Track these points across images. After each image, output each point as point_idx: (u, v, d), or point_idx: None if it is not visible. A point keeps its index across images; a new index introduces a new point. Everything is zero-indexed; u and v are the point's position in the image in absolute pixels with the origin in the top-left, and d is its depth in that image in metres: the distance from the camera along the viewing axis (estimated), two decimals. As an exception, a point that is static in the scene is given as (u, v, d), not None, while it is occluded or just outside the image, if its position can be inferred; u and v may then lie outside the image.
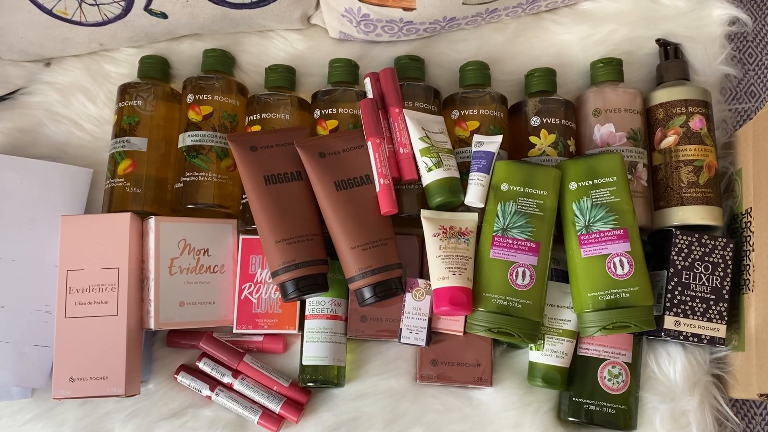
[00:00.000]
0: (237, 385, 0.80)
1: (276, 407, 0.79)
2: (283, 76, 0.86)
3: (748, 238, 0.80)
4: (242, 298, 0.81)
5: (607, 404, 0.77)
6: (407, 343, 0.78)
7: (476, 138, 0.81)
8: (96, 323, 0.76)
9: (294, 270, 0.75)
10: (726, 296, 0.77)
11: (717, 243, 0.78)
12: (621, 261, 0.74)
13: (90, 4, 0.83)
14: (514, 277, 0.74)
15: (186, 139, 0.83)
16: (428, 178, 0.78)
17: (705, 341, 0.77)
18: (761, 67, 0.95)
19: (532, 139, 0.82)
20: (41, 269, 0.81)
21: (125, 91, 0.85)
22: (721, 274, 0.78)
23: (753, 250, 0.78)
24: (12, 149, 0.88)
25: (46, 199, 0.83)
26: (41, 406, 0.81)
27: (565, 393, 0.79)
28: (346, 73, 0.86)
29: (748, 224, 0.80)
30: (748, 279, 0.78)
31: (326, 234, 0.78)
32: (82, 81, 0.91)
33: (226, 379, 0.80)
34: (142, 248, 0.80)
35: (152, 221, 0.79)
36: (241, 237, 0.82)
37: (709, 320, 0.77)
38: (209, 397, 0.80)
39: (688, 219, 0.80)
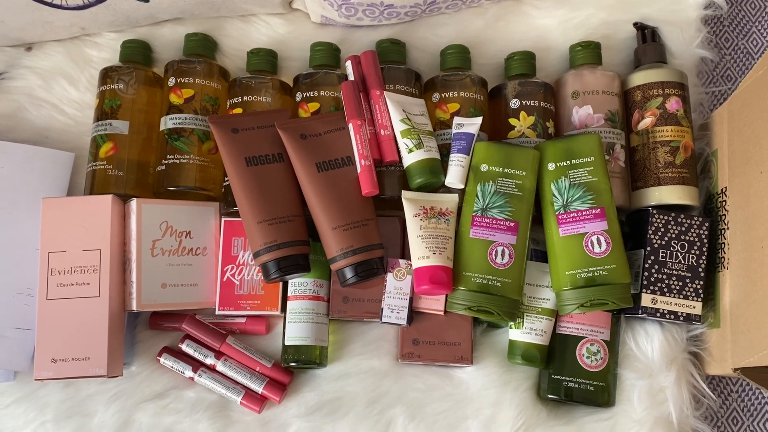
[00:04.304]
0: (220, 367, 0.81)
1: (259, 388, 0.80)
2: (264, 60, 0.87)
3: (723, 217, 0.81)
4: (224, 279, 0.81)
5: (586, 381, 0.78)
6: (388, 323, 0.78)
7: (456, 120, 0.81)
8: (78, 304, 0.76)
9: (276, 250, 0.75)
10: (702, 274, 0.79)
11: (693, 222, 0.80)
12: (598, 239, 0.75)
13: (70, -12, 0.83)
14: (494, 256, 0.75)
15: (168, 122, 0.83)
16: (409, 159, 0.79)
17: (681, 318, 0.78)
18: (737, 51, 0.97)
19: (512, 121, 0.83)
20: (22, 252, 0.81)
21: (107, 74, 0.85)
22: (697, 252, 0.79)
23: (728, 228, 0.80)
24: (-7, 134, 0.88)
25: (27, 183, 0.83)
26: (24, 389, 0.81)
27: (544, 371, 0.80)
28: (327, 56, 0.86)
29: (724, 203, 0.81)
30: (723, 257, 0.80)
31: (308, 215, 0.78)
32: (63, 65, 0.90)
33: (209, 361, 0.81)
34: (124, 230, 0.80)
35: (134, 203, 0.79)
36: (223, 219, 0.82)
37: (686, 298, 0.79)
38: (192, 379, 0.81)
39: (664, 199, 0.81)
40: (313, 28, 0.92)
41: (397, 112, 0.80)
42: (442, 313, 0.79)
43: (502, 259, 0.75)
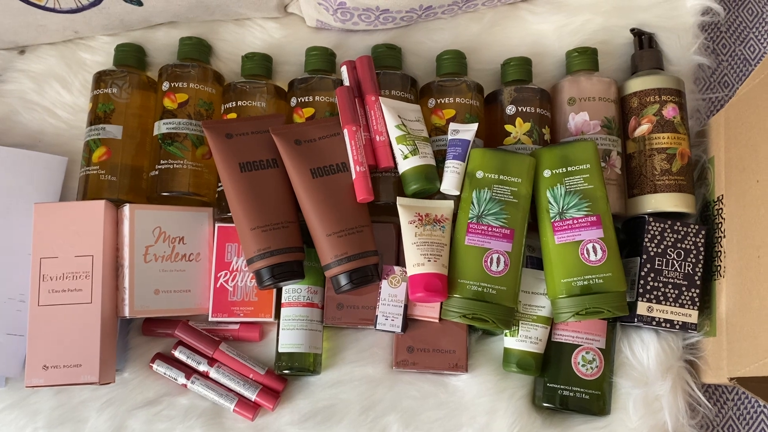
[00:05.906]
0: (213, 373, 0.80)
1: (252, 395, 0.79)
2: (259, 64, 0.86)
3: (720, 225, 0.81)
4: (218, 286, 0.81)
5: (581, 390, 0.78)
6: (383, 330, 0.78)
7: (452, 126, 0.81)
8: (70, 311, 0.75)
9: (269, 257, 0.75)
10: (698, 282, 0.78)
11: (689, 230, 0.79)
12: (594, 247, 0.75)
13: (64, -9, 0.82)
14: (489, 264, 0.75)
15: (161, 127, 0.82)
16: (404, 165, 0.78)
17: (677, 327, 0.78)
18: (734, 57, 0.96)
19: (508, 127, 0.82)
20: (15, 258, 0.80)
21: (100, 78, 0.85)
22: (693, 260, 0.79)
23: (724, 236, 0.79)
24: (-15, 137, 0.87)
25: (20, 187, 0.82)
26: (15, 395, 0.80)
27: (539, 379, 0.80)
28: (322, 61, 0.86)
29: (720, 211, 0.81)
30: (720, 265, 0.79)
31: (302, 221, 0.78)
32: (56, 69, 0.90)
33: (202, 367, 0.80)
34: (116, 236, 0.79)
35: (127, 209, 0.78)
36: (216, 225, 0.82)
37: (682, 306, 0.78)
38: (185, 386, 0.80)
39: (661, 206, 0.81)
40: (308, 32, 0.91)
41: (392, 117, 0.80)
42: (436, 321, 0.78)
43: (497, 267, 0.75)
